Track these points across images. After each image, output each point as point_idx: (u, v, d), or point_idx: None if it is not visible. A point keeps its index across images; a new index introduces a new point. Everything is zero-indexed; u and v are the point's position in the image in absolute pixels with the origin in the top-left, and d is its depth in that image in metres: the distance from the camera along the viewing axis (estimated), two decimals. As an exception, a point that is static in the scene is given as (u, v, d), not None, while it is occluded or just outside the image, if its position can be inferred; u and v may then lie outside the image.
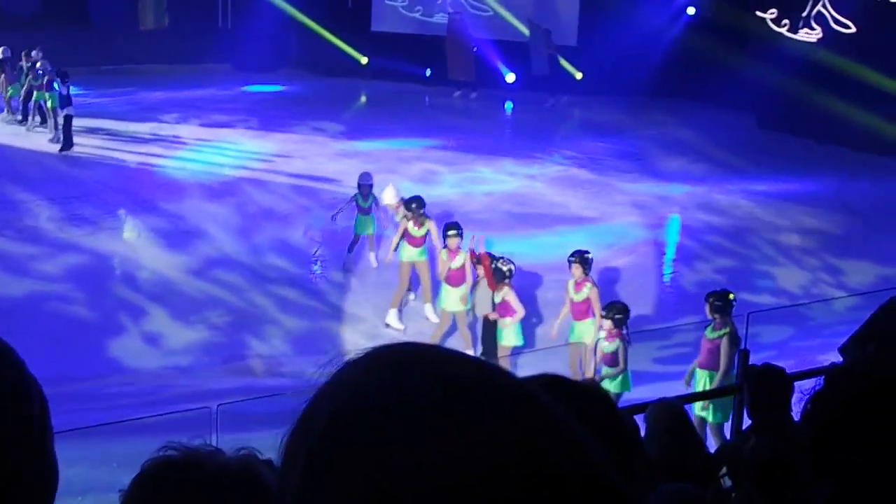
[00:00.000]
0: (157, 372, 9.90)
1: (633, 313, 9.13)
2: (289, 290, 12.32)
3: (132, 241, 14.00)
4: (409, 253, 10.67)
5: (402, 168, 17.65)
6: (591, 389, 1.36)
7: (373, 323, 11.20)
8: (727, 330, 8.24)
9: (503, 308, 9.38)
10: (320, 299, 12.17)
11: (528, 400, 0.83)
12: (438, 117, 22.46)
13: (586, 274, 9.18)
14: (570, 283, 9.21)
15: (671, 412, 4.57)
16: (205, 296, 12.05)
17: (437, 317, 10.50)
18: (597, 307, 8.91)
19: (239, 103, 22.89)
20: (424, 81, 25.30)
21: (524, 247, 13.29)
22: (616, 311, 8.41)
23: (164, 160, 17.85)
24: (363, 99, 24.56)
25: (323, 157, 18.62)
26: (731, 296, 8.24)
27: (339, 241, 13.42)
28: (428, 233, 10.75)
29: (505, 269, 9.36)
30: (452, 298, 10.09)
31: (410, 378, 0.83)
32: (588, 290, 9.15)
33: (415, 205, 10.77)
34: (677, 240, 15.27)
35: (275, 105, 22.97)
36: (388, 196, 11.58)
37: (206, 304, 11.62)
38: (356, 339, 10.68)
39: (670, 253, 14.64)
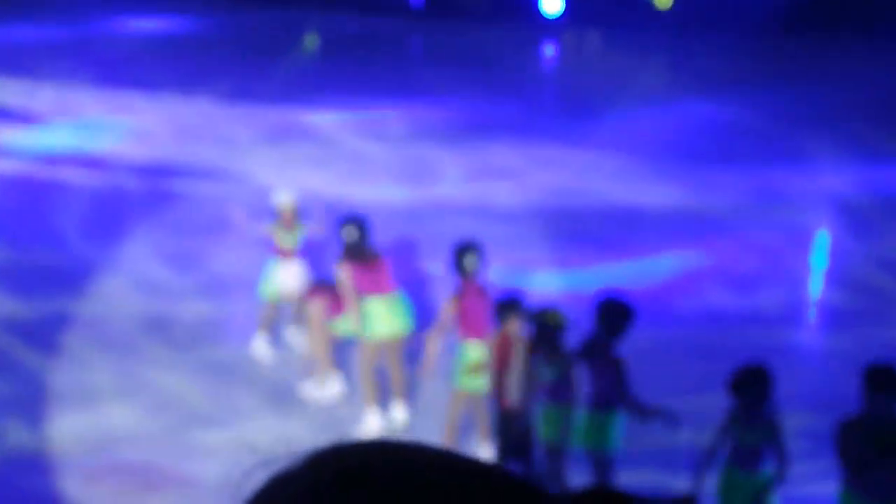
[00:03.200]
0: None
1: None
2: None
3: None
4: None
5: (373, 155, 17.53)
6: None
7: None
8: None
9: None
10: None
11: None
12: (434, 72, 22.31)
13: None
14: None
15: None
16: None
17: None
18: None
19: (98, 51, 22.56)
20: (411, 14, 25.60)
21: (569, 281, 13.28)
22: None
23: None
24: (309, 42, 24.87)
25: (244, 141, 18.08)
26: None
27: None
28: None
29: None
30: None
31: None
32: None
33: None
34: (827, 270, 14.98)
35: (161, 54, 22.71)
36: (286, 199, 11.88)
37: None
38: None
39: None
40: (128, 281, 13.21)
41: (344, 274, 10.47)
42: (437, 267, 12.31)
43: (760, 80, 21.23)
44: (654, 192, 16.35)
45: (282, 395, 10.85)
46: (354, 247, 10.53)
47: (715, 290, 13.49)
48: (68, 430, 10.22)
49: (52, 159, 17.02)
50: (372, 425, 10.51)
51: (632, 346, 9.38)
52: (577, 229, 15.06)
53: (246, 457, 9.83)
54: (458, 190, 16.17)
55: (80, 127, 18.37)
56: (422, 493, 1.06)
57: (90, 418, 10.40)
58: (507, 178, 16.70)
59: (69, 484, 9.44)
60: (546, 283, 12.63)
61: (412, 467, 1.08)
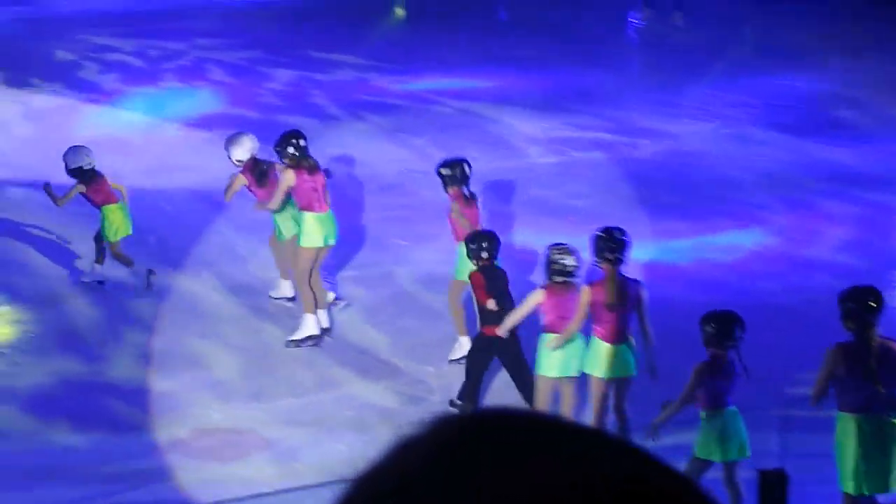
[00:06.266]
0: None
1: None
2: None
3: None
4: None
5: (462, 125, 17.27)
6: None
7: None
8: None
9: None
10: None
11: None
12: (521, 41, 21.84)
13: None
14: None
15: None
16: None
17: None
18: None
19: (181, 21, 22.40)
20: None
21: (659, 252, 12.91)
22: None
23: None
24: (399, 12, 24.50)
25: (335, 110, 18.05)
26: None
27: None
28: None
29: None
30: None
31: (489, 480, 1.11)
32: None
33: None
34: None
35: (244, 25, 22.43)
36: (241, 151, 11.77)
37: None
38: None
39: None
40: (220, 251, 13.19)
41: None
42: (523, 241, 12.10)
43: (854, 48, 20.57)
44: (746, 164, 15.99)
45: (369, 365, 10.72)
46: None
47: (808, 263, 13.15)
48: (166, 393, 10.18)
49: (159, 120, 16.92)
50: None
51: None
52: (667, 201, 14.74)
53: (333, 424, 9.75)
54: (546, 161, 15.94)
55: (174, 94, 18.37)
56: (541, 452, 1.13)
57: (185, 382, 10.35)
58: (596, 149, 16.43)
59: (165, 450, 9.42)
60: (637, 254, 12.41)
61: (532, 428, 1.16)
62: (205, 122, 16.79)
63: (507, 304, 9.61)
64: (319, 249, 10.96)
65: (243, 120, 16.92)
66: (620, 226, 9.72)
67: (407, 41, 22.14)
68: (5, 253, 12.66)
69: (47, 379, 10.49)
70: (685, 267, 12.92)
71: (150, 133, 16.41)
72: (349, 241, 12.69)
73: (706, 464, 8.13)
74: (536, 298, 9.38)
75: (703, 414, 8.21)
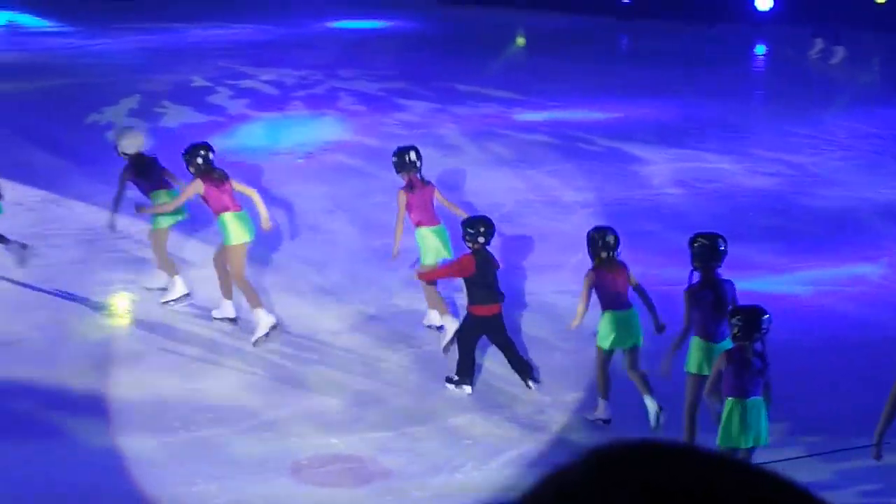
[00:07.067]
0: None
1: None
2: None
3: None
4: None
5: (582, 154, 17.23)
6: None
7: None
8: None
9: None
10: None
11: None
12: (642, 70, 21.85)
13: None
14: None
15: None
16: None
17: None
18: None
19: (306, 50, 23.22)
20: (620, 12, 25.68)
21: (778, 283, 12.73)
22: None
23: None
24: (520, 41, 24.89)
25: (457, 139, 17.98)
26: None
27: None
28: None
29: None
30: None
31: None
32: None
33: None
34: None
35: (367, 53, 23.12)
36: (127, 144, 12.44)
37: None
38: None
39: None
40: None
41: None
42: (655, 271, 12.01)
43: None
44: (873, 194, 15.73)
45: (486, 394, 10.69)
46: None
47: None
48: (282, 420, 10.28)
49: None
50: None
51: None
52: (792, 230, 14.57)
53: (452, 454, 9.74)
54: (667, 190, 15.82)
55: (295, 120, 18.70)
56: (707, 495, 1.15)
57: (304, 408, 10.43)
58: (717, 179, 16.28)
59: (287, 473, 9.49)
60: (756, 285, 12.29)
61: (692, 469, 1.18)
62: (325, 149, 17.10)
63: (496, 287, 10.27)
64: (246, 245, 11.53)
65: (361, 147, 17.18)
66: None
67: (527, 70, 22.20)
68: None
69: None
70: (808, 298, 12.74)
71: (262, 159, 16.67)
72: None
73: (731, 452, 8.22)
74: (590, 281, 9.85)
75: (728, 403, 8.44)
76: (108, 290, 12.52)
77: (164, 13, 27.86)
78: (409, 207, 11.37)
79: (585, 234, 10.01)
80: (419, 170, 11.53)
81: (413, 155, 11.56)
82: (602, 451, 1.24)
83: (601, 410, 9.72)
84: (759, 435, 8.37)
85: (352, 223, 14.08)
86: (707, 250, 9.16)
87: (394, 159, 11.62)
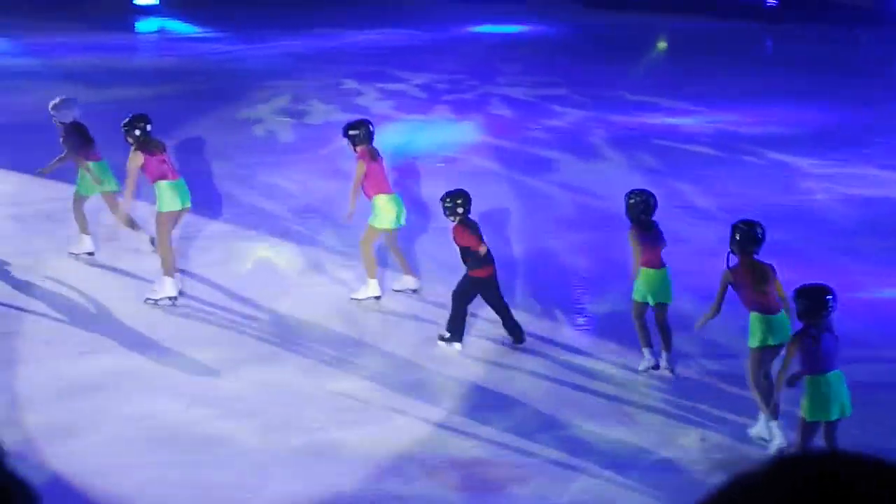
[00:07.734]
0: None
1: None
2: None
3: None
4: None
5: (724, 161, 17.05)
6: None
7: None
8: None
9: None
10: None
11: None
12: (786, 75, 21.52)
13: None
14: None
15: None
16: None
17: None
18: None
19: (451, 55, 23.42)
20: (764, 15, 25.29)
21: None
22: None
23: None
24: (661, 45, 24.69)
25: (602, 145, 17.95)
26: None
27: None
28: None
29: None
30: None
31: None
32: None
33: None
34: None
35: (511, 57, 23.28)
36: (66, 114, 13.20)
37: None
38: None
39: None
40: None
41: None
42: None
43: None
44: None
45: (592, 402, 10.55)
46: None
47: None
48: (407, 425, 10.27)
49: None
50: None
51: None
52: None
53: (576, 460, 9.62)
54: (815, 197, 15.44)
55: (437, 124, 18.84)
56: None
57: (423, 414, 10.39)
58: (867, 185, 15.85)
59: (408, 478, 9.44)
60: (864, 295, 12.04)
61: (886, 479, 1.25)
62: (466, 153, 17.21)
63: (488, 251, 11.02)
64: (179, 213, 12.02)
65: (502, 151, 17.18)
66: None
67: (671, 74, 22.07)
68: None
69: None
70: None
71: (401, 160, 16.73)
72: (601, 274, 12.69)
73: (816, 425, 8.49)
74: (634, 240, 10.53)
75: (808, 379, 8.66)
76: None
77: (310, 19, 28.35)
78: (367, 176, 11.91)
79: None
80: (372, 142, 12.15)
81: (371, 127, 12.20)
82: (785, 457, 1.36)
83: (647, 360, 10.30)
84: (843, 406, 8.56)
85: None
86: (745, 236, 9.65)
87: (354, 132, 12.05)
